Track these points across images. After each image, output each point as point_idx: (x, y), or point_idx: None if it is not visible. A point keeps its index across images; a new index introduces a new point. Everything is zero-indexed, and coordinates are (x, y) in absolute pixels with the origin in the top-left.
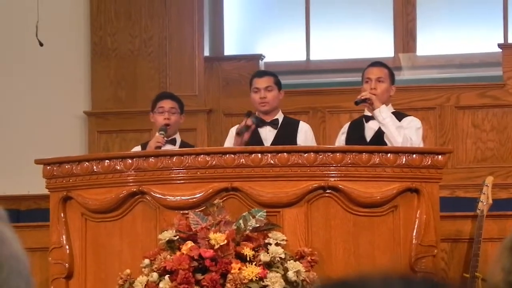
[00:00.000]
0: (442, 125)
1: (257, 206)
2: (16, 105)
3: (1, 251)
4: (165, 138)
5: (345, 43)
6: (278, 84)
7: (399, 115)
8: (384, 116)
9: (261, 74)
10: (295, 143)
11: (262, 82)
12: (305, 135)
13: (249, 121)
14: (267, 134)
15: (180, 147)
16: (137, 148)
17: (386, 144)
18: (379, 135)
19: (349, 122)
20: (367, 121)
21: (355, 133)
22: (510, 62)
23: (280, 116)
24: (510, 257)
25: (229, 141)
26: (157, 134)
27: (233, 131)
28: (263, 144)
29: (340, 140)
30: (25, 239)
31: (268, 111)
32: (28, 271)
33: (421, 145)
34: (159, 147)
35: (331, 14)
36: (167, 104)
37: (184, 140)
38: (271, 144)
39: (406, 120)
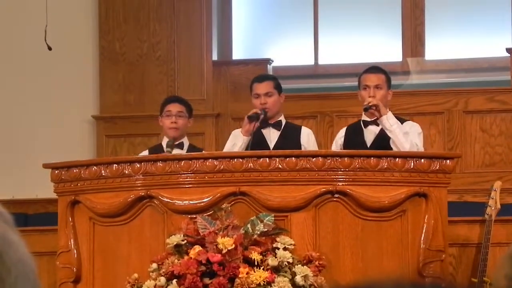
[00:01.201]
0: (450, 129)
1: (265, 211)
2: (25, 109)
3: (9, 256)
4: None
5: (353, 47)
6: (278, 88)
7: (398, 120)
8: (391, 122)
9: (260, 79)
10: (299, 144)
11: (262, 88)
12: (307, 137)
13: (259, 111)
14: (271, 135)
15: (187, 150)
16: (145, 153)
17: (388, 149)
18: (380, 140)
19: (345, 127)
20: (365, 126)
21: (354, 138)
22: None
23: (283, 119)
24: None
25: (231, 142)
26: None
27: (235, 133)
28: (268, 145)
29: (338, 145)
30: (33, 243)
31: (270, 116)
32: (35, 275)
33: (422, 150)
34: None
35: (339, 18)
36: (174, 107)
37: (192, 143)
38: (276, 144)
39: (407, 125)
